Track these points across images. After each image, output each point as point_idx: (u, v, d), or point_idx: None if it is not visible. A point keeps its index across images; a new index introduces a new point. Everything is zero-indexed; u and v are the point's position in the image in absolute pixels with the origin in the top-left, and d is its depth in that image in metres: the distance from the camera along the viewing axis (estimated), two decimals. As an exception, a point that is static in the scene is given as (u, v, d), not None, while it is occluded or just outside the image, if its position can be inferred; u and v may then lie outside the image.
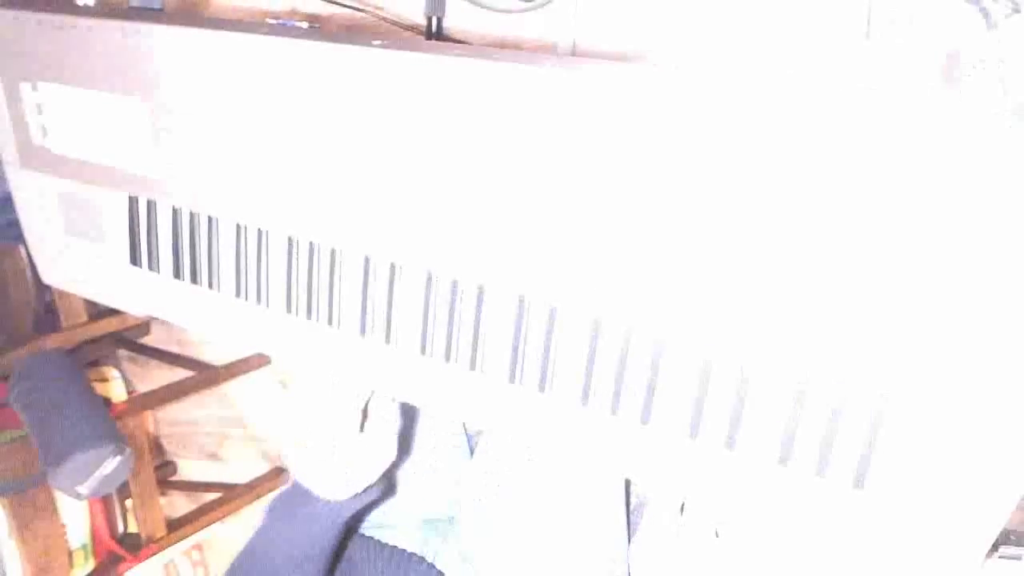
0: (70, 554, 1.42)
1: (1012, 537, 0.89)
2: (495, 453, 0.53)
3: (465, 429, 0.76)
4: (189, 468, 1.67)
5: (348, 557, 0.73)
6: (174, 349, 1.57)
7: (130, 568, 1.44)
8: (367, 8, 0.94)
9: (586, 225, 0.45)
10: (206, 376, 1.44)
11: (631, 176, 0.43)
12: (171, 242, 0.63)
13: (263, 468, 1.57)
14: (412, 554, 0.72)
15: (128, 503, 1.49)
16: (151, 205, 0.63)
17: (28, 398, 1.24)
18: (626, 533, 0.74)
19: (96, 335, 1.39)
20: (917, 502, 0.41)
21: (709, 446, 0.46)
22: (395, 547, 0.72)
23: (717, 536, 0.50)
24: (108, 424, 1.21)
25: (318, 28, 0.56)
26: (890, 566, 0.43)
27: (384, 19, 0.92)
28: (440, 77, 0.46)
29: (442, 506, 0.75)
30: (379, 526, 0.75)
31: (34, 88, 0.64)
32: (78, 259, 0.69)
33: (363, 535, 0.74)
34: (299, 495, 0.59)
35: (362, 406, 0.54)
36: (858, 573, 0.44)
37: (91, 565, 1.46)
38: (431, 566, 0.72)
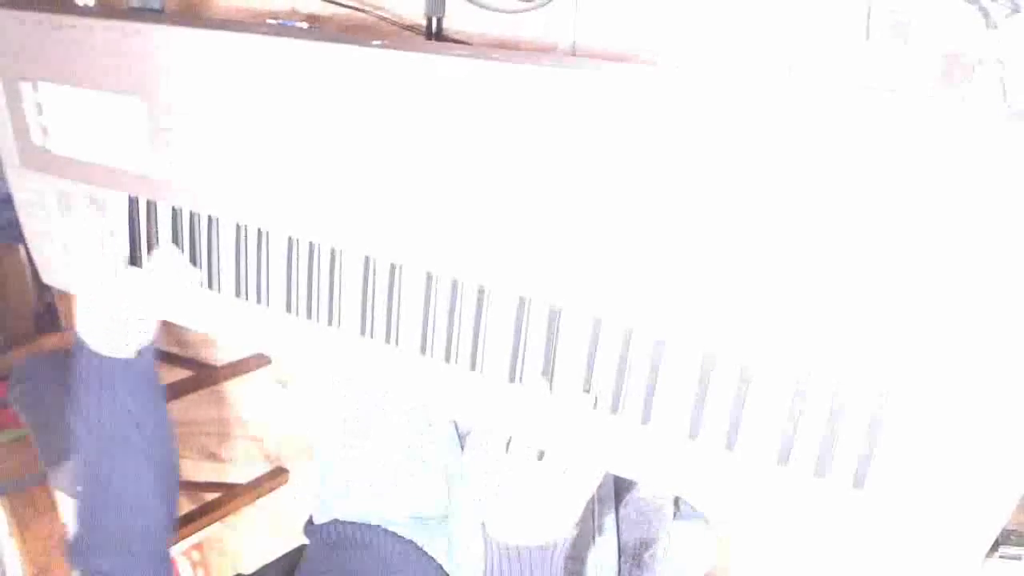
0: (70, 554, 1.43)
1: (1012, 537, 0.89)
2: (495, 453, 0.53)
3: (455, 424, 0.76)
4: (189, 468, 1.67)
5: (365, 541, 0.74)
6: (174, 349, 1.57)
7: (130, 568, 1.44)
8: (367, 8, 0.94)
9: (586, 225, 0.45)
10: (206, 376, 1.43)
11: (631, 176, 0.43)
12: (171, 242, 0.63)
13: (263, 468, 1.57)
14: (415, 543, 0.73)
15: (128, 503, 1.50)
16: (151, 205, 0.63)
17: (28, 398, 1.24)
18: (616, 531, 0.74)
19: (96, 335, 1.39)
20: (917, 502, 0.41)
21: (709, 446, 0.46)
22: (403, 537, 0.73)
23: (540, 459, 0.51)
24: (108, 424, 1.22)
25: (318, 28, 0.56)
26: (890, 566, 0.43)
27: (384, 19, 0.92)
28: (440, 77, 0.46)
29: (432, 503, 0.75)
30: (369, 523, 0.75)
31: (34, 88, 0.64)
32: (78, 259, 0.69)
33: (376, 525, 0.74)
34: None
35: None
36: (858, 573, 0.44)
37: (91, 565, 1.46)
38: (432, 559, 0.72)
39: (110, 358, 0.64)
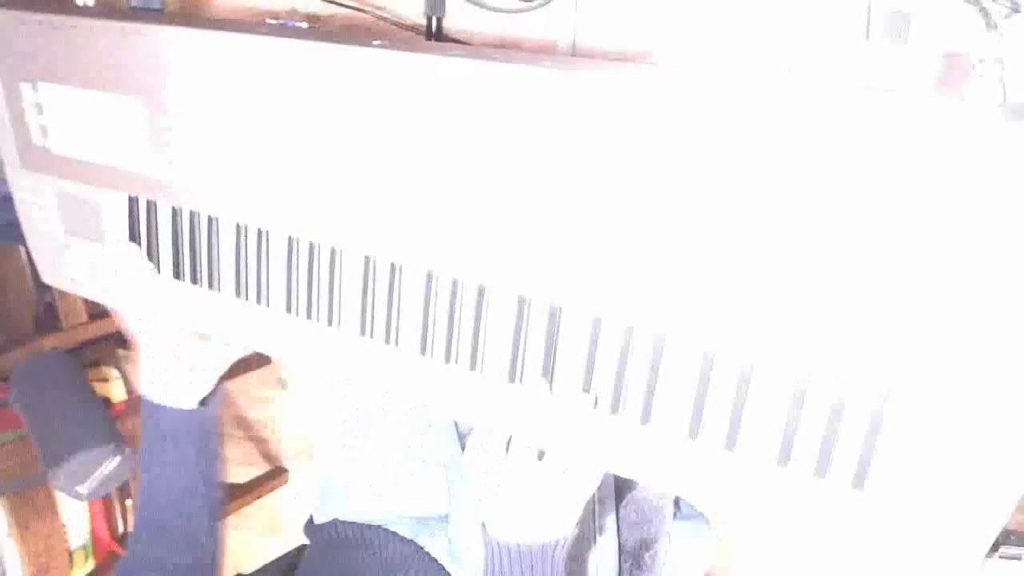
0: (70, 554, 1.42)
1: (1012, 537, 0.89)
2: (495, 453, 0.53)
3: (456, 424, 0.76)
4: (189, 468, 1.68)
5: (366, 541, 0.74)
6: (174, 349, 1.58)
7: (130, 568, 1.44)
8: (367, 8, 0.94)
9: (586, 225, 0.45)
10: (206, 376, 1.44)
11: (631, 176, 0.43)
12: (171, 242, 0.63)
13: (263, 468, 1.57)
14: (416, 543, 0.73)
15: (128, 503, 1.50)
16: (151, 205, 0.63)
17: (28, 398, 1.24)
18: (616, 531, 0.74)
19: (96, 335, 1.39)
20: (917, 502, 0.41)
21: (709, 446, 0.46)
22: (404, 537, 0.73)
23: (540, 459, 0.51)
24: (108, 424, 1.21)
25: (318, 28, 0.56)
26: (890, 566, 0.43)
27: (384, 19, 0.92)
28: (440, 77, 0.46)
29: (432, 503, 0.75)
30: (369, 523, 0.75)
31: (34, 88, 0.64)
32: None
33: (377, 526, 0.74)
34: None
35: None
36: (858, 573, 0.44)
37: (91, 565, 1.46)
38: (433, 559, 0.72)
39: (174, 409, 0.65)
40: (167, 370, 0.65)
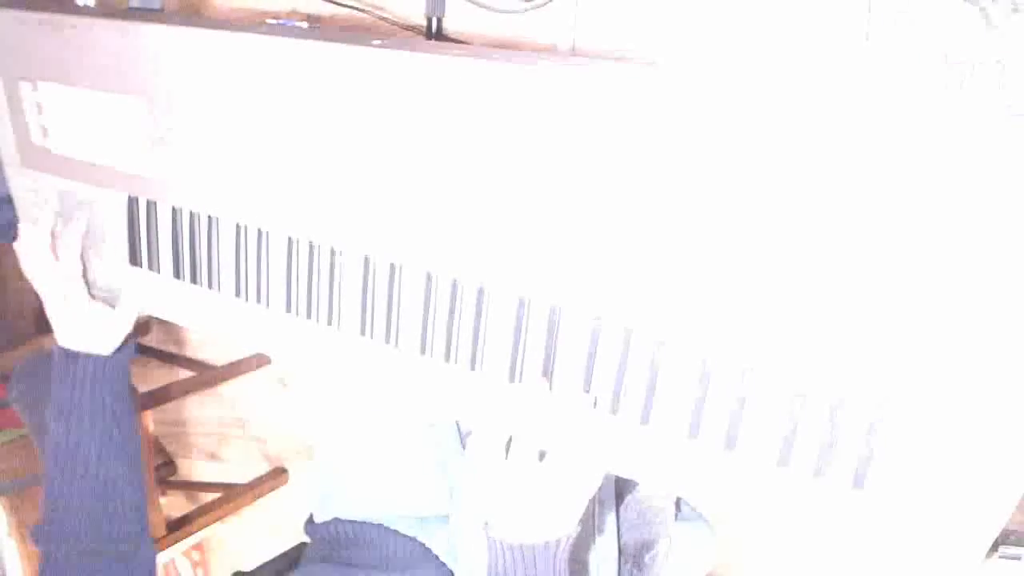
0: (70, 554, 1.43)
1: (1012, 537, 0.89)
2: (496, 453, 0.53)
3: (456, 424, 0.76)
4: (189, 468, 1.68)
5: (366, 540, 0.74)
6: (174, 349, 1.57)
7: (130, 568, 1.43)
8: (367, 8, 0.94)
9: (587, 225, 0.45)
10: (206, 376, 1.43)
11: (631, 176, 0.43)
12: (171, 242, 0.63)
13: (263, 468, 1.57)
14: (417, 540, 0.73)
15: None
16: (151, 205, 0.63)
17: (28, 398, 1.24)
18: (616, 532, 0.74)
19: (96, 335, 1.39)
20: (917, 502, 0.41)
21: (709, 446, 0.46)
22: (405, 535, 0.73)
23: (541, 459, 0.51)
24: (108, 424, 1.22)
25: (318, 28, 0.56)
26: (890, 566, 0.43)
27: (384, 19, 0.92)
28: (440, 77, 0.46)
29: (433, 503, 0.75)
30: (369, 521, 0.75)
31: (34, 88, 0.64)
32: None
33: (377, 524, 0.74)
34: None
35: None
36: (858, 573, 0.44)
37: (91, 565, 1.46)
38: (435, 555, 0.72)
39: (88, 355, 0.65)
40: (82, 317, 0.65)
